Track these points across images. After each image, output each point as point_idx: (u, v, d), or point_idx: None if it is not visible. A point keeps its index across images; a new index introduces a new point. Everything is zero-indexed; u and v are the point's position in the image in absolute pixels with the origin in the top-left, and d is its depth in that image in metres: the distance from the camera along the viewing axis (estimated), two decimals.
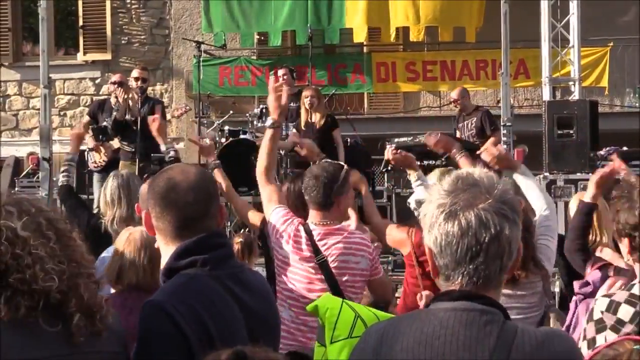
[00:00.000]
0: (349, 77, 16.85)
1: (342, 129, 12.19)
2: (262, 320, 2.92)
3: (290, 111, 12.69)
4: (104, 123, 11.60)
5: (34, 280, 2.39)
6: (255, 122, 12.57)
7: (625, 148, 12.94)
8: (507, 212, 2.27)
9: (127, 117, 11.24)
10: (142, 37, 19.06)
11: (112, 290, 4.39)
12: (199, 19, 17.87)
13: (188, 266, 2.84)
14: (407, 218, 7.60)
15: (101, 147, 11.59)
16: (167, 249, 2.91)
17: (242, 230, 10.40)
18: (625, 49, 16.85)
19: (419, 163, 10.98)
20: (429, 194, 2.36)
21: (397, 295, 7.66)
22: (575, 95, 13.18)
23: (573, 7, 13.28)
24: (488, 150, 5.43)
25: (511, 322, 2.28)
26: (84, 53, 19.18)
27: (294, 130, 12.13)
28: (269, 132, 5.13)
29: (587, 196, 5.19)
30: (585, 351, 3.21)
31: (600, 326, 3.33)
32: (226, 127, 12.58)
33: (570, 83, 13.62)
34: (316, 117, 11.73)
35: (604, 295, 3.45)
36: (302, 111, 11.88)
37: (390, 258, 10.18)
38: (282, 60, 16.66)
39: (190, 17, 18.76)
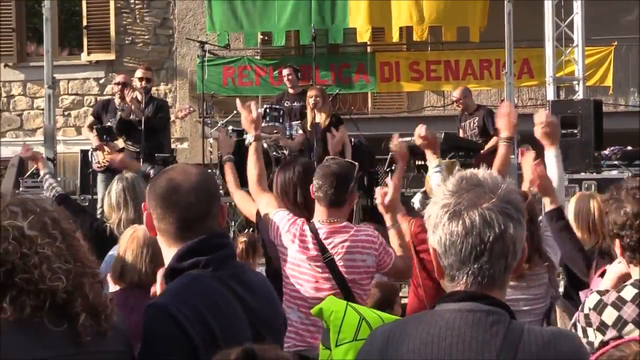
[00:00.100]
0: (353, 77, 16.84)
1: (346, 128, 12.18)
2: (265, 321, 2.92)
3: (294, 111, 12.72)
4: (108, 123, 11.61)
5: (41, 280, 2.39)
6: None
7: (629, 147, 12.94)
8: (512, 212, 2.27)
9: (132, 117, 11.24)
10: (146, 37, 19.07)
11: (111, 289, 4.39)
12: (202, 19, 17.88)
13: (190, 267, 2.84)
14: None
15: (105, 147, 11.60)
16: (169, 250, 2.91)
17: (247, 230, 10.41)
18: (630, 48, 16.83)
19: (421, 162, 11.06)
20: (433, 194, 2.36)
21: (400, 294, 7.65)
22: (580, 95, 13.16)
23: (577, 6, 13.26)
24: (542, 116, 5.37)
25: (517, 321, 2.28)
26: (88, 53, 19.20)
27: (300, 131, 12.13)
28: (252, 147, 5.23)
29: (547, 204, 5.09)
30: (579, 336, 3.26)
31: (587, 321, 3.37)
32: (230, 127, 12.58)
33: (574, 82, 13.60)
34: (321, 117, 11.72)
35: (598, 291, 3.45)
36: (308, 111, 11.88)
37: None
38: (285, 60, 16.65)
39: (194, 17, 18.77)
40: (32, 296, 2.39)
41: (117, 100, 11.72)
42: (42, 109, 15.99)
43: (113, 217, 6.01)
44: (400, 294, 7.62)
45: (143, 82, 11.38)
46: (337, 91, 15.43)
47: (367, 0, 15.92)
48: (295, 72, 13.16)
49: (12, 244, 2.40)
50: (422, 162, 11.07)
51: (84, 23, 19.28)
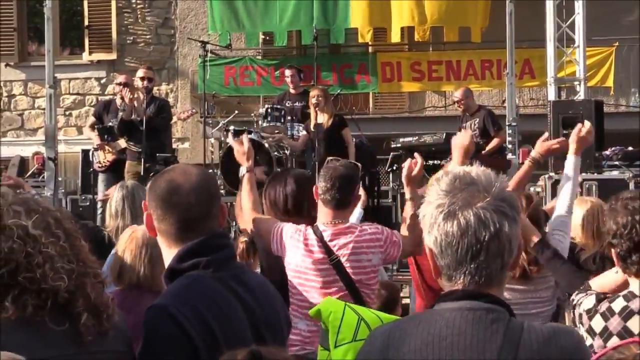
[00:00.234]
0: (354, 77, 16.83)
1: (349, 129, 12.18)
2: (266, 321, 2.92)
3: (295, 111, 12.73)
4: (110, 123, 11.62)
5: (44, 279, 2.40)
6: (260, 122, 12.59)
7: (630, 148, 12.93)
8: (506, 210, 2.26)
9: (133, 117, 11.25)
10: (148, 37, 19.07)
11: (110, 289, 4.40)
12: (204, 18, 17.89)
13: (191, 268, 2.84)
14: None
15: (107, 147, 11.61)
16: (169, 251, 2.91)
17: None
18: (631, 48, 16.82)
19: (425, 163, 11.06)
20: (428, 194, 2.36)
21: (402, 294, 7.66)
22: (581, 95, 13.14)
23: (578, 6, 13.25)
24: (588, 125, 5.34)
25: (517, 319, 2.28)
26: (90, 53, 19.20)
27: (304, 132, 12.14)
28: (245, 177, 5.19)
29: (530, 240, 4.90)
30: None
31: (580, 321, 3.43)
32: (231, 127, 12.58)
33: (576, 83, 13.58)
34: (324, 117, 11.72)
35: (597, 295, 3.49)
36: (311, 111, 11.89)
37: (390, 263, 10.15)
38: (287, 60, 16.65)
39: (195, 17, 18.77)
40: (34, 295, 2.39)
41: (118, 101, 11.73)
42: (43, 109, 15.99)
43: (111, 224, 6.03)
44: (401, 294, 7.64)
45: (145, 82, 11.39)
46: (339, 91, 15.44)
47: (369, 0, 15.92)
48: (298, 73, 13.18)
49: (16, 242, 2.40)
50: (433, 162, 11.06)
51: (86, 23, 19.28)
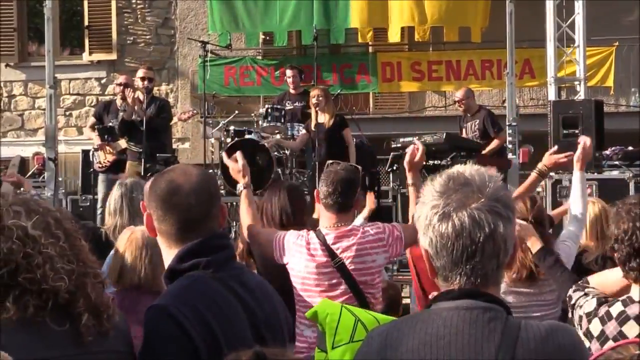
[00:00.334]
0: (355, 77, 16.85)
1: (350, 129, 12.17)
2: (266, 321, 2.92)
3: (295, 111, 12.72)
4: (110, 123, 11.62)
5: (44, 280, 2.39)
6: (260, 122, 12.59)
7: (630, 148, 12.93)
8: (501, 210, 2.26)
9: (134, 117, 11.24)
10: (148, 37, 19.07)
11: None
12: (204, 19, 17.89)
13: (191, 268, 2.84)
14: None
15: (107, 147, 11.60)
16: (169, 252, 2.91)
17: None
18: (631, 48, 16.82)
19: (424, 162, 11.06)
20: (422, 195, 2.35)
21: (403, 295, 7.66)
22: (581, 95, 13.14)
23: (578, 6, 13.25)
24: (587, 141, 5.34)
25: (514, 317, 2.28)
26: (90, 53, 19.20)
27: (303, 131, 12.13)
28: (243, 194, 5.18)
29: (532, 246, 4.94)
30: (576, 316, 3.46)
31: (579, 323, 3.46)
32: (231, 127, 12.58)
33: (576, 83, 13.58)
34: (325, 117, 11.72)
35: (598, 299, 3.51)
36: (312, 111, 11.88)
37: (395, 258, 10.13)
38: (287, 60, 16.66)
39: (195, 17, 18.77)
40: (35, 296, 2.39)
41: (118, 101, 11.73)
42: (44, 109, 16.00)
43: (110, 222, 6.02)
44: (403, 295, 7.64)
45: (145, 82, 11.38)
46: (339, 91, 15.44)
47: (369, 0, 15.92)
48: (299, 74, 13.18)
49: (16, 243, 2.40)
50: (424, 163, 11.06)
51: (86, 23, 19.28)
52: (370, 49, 17.63)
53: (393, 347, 2.27)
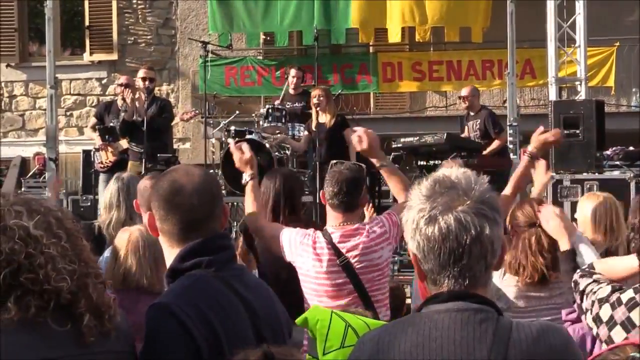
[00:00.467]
0: (355, 77, 16.84)
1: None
2: (267, 321, 2.92)
3: (295, 110, 12.72)
4: (111, 123, 11.62)
5: (46, 280, 2.39)
6: (261, 122, 12.58)
7: (631, 148, 12.93)
8: (487, 212, 2.27)
9: (135, 118, 11.25)
10: (148, 37, 19.07)
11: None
12: (205, 19, 17.89)
13: (192, 267, 2.84)
14: None
15: (108, 147, 11.61)
16: (171, 251, 2.91)
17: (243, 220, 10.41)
18: (632, 49, 16.82)
19: (424, 163, 11.07)
20: (410, 199, 2.36)
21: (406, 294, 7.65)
22: (582, 95, 13.13)
23: (579, 6, 13.25)
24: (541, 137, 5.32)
25: (505, 318, 2.29)
26: (90, 53, 19.20)
27: (305, 132, 12.13)
28: (249, 185, 5.15)
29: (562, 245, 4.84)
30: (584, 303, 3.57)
31: (589, 307, 3.51)
32: (232, 127, 12.58)
33: (577, 83, 13.57)
34: (326, 117, 11.71)
35: (612, 286, 3.55)
36: (312, 111, 11.88)
37: (396, 258, 10.16)
38: (288, 60, 16.66)
39: (196, 17, 18.77)
40: (36, 296, 2.38)
41: (119, 102, 11.73)
42: (44, 109, 16.00)
43: (104, 216, 6.00)
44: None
45: (146, 82, 11.37)
46: (340, 91, 15.45)
47: (370, 0, 15.92)
48: (302, 75, 13.18)
49: (18, 243, 2.39)
50: (425, 163, 11.08)
51: (86, 23, 19.28)
52: (371, 49, 17.62)
53: (385, 351, 2.28)
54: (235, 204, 12.41)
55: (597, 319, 3.48)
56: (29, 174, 16.26)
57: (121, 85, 11.66)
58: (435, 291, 2.31)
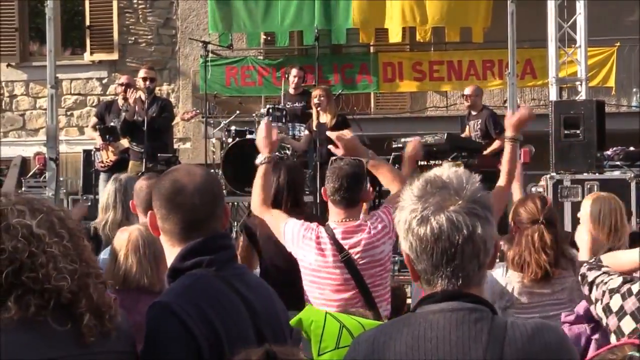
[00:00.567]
0: (356, 77, 16.85)
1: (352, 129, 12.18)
2: (267, 321, 2.92)
3: (295, 111, 12.72)
4: (112, 123, 11.62)
5: (47, 279, 2.38)
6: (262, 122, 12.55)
7: (631, 148, 12.93)
8: (479, 211, 2.26)
9: (136, 118, 11.24)
10: (149, 37, 19.08)
11: None
12: (205, 19, 17.89)
13: (193, 267, 2.84)
14: None
15: (109, 147, 11.61)
16: (172, 250, 2.91)
17: (244, 220, 10.42)
18: (632, 49, 16.82)
19: (424, 163, 11.07)
20: (402, 199, 2.36)
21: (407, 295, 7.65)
22: (582, 95, 13.13)
23: (580, 7, 13.24)
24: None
25: (500, 317, 2.29)
26: (91, 53, 19.21)
27: (306, 132, 12.13)
28: (262, 168, 5.14)
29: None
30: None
31: (599, 297, 3.54)
32: (233, 127, 12.58)
33: (577, 83, 13.56)
34: (327, 117, 11.71)
35: (624, 278, 3.58)
36: (313, 111, 11.87)
37: (396, 258, 10.15)
38: (289, 60, 16.67)
39: (197, 17, 18.77)
40: (37, 295, 2.38)
41: (120, 101, 11.72)
42: (45, 109, 16.00)
43: (101, 217, 5.99)
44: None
45: (147, 82, 11.37)
46: (340, 91, 15.44)
47: (370, 0, 15.93)
48: (304, 76, 13.17)
49: (21, 242, 2.39)
50: (425, 162, 11.08)
51: (87, 23, 19.29)
52: (372, 49, 17.63)
53: (380, 352, 2.28)
54: (235, 203, 12.42)
55: (607, 309, 3.51)
56: (30, 174, 16.26)
57: (122, 85, 11.66)
58: (430, 291, 2.31)
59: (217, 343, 2.68)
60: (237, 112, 14.21)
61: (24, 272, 2.38)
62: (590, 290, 3.72)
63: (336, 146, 5.21)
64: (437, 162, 10.57)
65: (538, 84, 16.51)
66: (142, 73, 11.59)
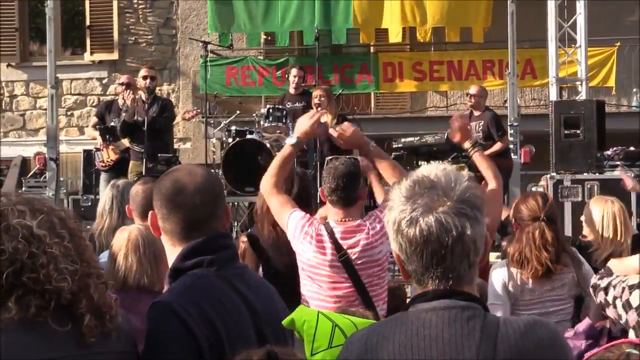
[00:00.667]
0: (356, 77, 16.84)
1: None
2: (268, 320, 2.93)
3: (296, 111, 12.71)
4: (112, 123, 11.62)
5: (48, 280, 2.38)
6: (262, 122, 12.57)
7: (631, 148, 12.94)
8: (467, 211, 2.26)
9: (136, 118, 11.24)
10: (149, 37, 19.09)
11: None
12: (205, 19, 17.89)
13: (194, 266, 2.84)
14: None
15: (110, 146, 11.61)
16: (173, 250, 2.91)
17: (249, 230, 10.42)
18: (632, 49, 16.82)
19: (425, 163, 11.07)
20: (390, 199, 2.35)
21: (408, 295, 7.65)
22: (582, 95, 13.14)
23: (580, 6, 13.25)
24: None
25: (492, 314, 2.29)
26: (91, 53, 19.21)
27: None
28: (288, 149, 5.07)
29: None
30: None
31: (617, 294, 3.58)
32: (233, 127, 12.58)
33: (577, 83, 13.58)
34: (328, 117, 11.70)
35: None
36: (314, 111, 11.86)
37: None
38: (289, 60, 16.66)
39: (197, 17, 18.78)
40: (37, 296, 2.37)
41: (120, 101, 11.73)
42: (45, 109, 16.00)
43: (97, 222, 5.97)
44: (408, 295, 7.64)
45: (147, 81, 11.37)
46: (340, 91, 15.44)
47: (370, 0, 15.93)
48: (304, 76, 13.16)
49: (21, 242, 2.38)
50: (425, 163, 11.08)
51: (87, 23, 19.30)
52: (372, 49, 17.64)
53: (373, 351, 2.27)
54: (236, 203, 12.42)
55: (627, 305, 3.53)
56: (30, 174, 16.26)
57: (122, 84, 11.67)
58: (421, 290, 2.31)
59: (217, 343, 2.68)
60: (238, 112, 14.22)
61: (24, 272, 2.38)
62: (607, 293, 3.72)
63: (338, 142, 5.18)
64: (437, 162, 10.57)
65: (538, 84, 16.51)
66: (142, 72, 11.60)
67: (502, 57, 14.89)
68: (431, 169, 2.33)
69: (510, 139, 12.19)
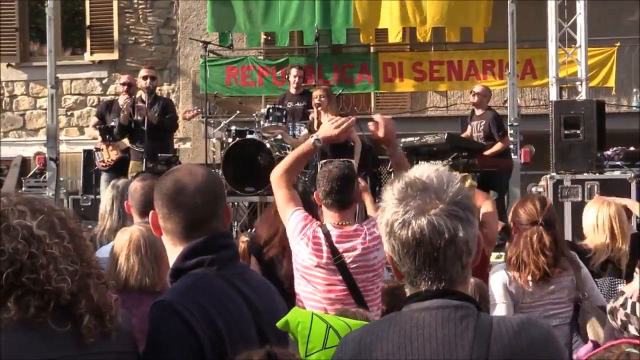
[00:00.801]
0: (356, 77, 16.84)
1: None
2: (269, 320, 2.93)
3: (296, 111, 12.71)
4: (112, 123, 11.63)
5: (47, 281, 2.38)
6: (262, 122, 12.57)
7: (632, 148, 12.94)
8: (460, 213, 2.26)
9: (136, 117, 11.25)
10: (149, 37, 19.08)
11: None
12: (205, 19, 17.88)
13: (195, 266, 2.85)
14: None
15: (110, 146, 11.61)
16: (174, 250, 2.92)
17: (249, 230, 10.43)
18: (632, 49, 16.81)
19: (425, 163, 11.07)
20: (383, 201, 2.35)
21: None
22: (582, 96, 13.15)
23: (580, 7, 13.25)
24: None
25: (485, 313, 2.29)
26: (91, 53, 19.21)
27: (305, 131, 12.11)
28: (310, 146, 4.91)
29: None
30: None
31: (634, 309, 3.60)
32: (233, 127, 12.57)
33: (577, 83, 13.58)
34: (328, 117, 11.67)
35: None
36: (314, 111, 11.86)
37: None
38: (289, 60, 16.66)
39: (197, 17, 18.78)
40: (36, 296, 2.37)
41: (120, 101, 11.73)
42: (45, 109, 16.01)
43: (99, 224, 5.96)
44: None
45: (147, 81, 11.37)
46: (340, 91, 15.44)
47: (370, 1, 15.93)
48: (304, 76, 13.15)
49: (21, 243, 2.38)
50: (425, 163, 11.07)
51: (87, 23, 19.30)
52: (372, 49, 17.63)
53: (367, 351, 2.27)
54: (236, 203, 12.42)
55: None
56: (30, 174, 16.26)
57: (123, 84, 11.67)
58: (414, 291, 2.31)
59: (219, 342, 2.68)
60: (238, 112, 14.21)
61: (24, 273, 2.38)
62: (625, 307, 3.73)
63: (375, 128, 4.88)
64: (436, 162, 10.57)
65: (538, 84, 16.51)
66: (143, 72, 11.61)
67: (502, 57, 14.89)
68: (424, 171, 2.33)
69: (511, 139, 12.20)
